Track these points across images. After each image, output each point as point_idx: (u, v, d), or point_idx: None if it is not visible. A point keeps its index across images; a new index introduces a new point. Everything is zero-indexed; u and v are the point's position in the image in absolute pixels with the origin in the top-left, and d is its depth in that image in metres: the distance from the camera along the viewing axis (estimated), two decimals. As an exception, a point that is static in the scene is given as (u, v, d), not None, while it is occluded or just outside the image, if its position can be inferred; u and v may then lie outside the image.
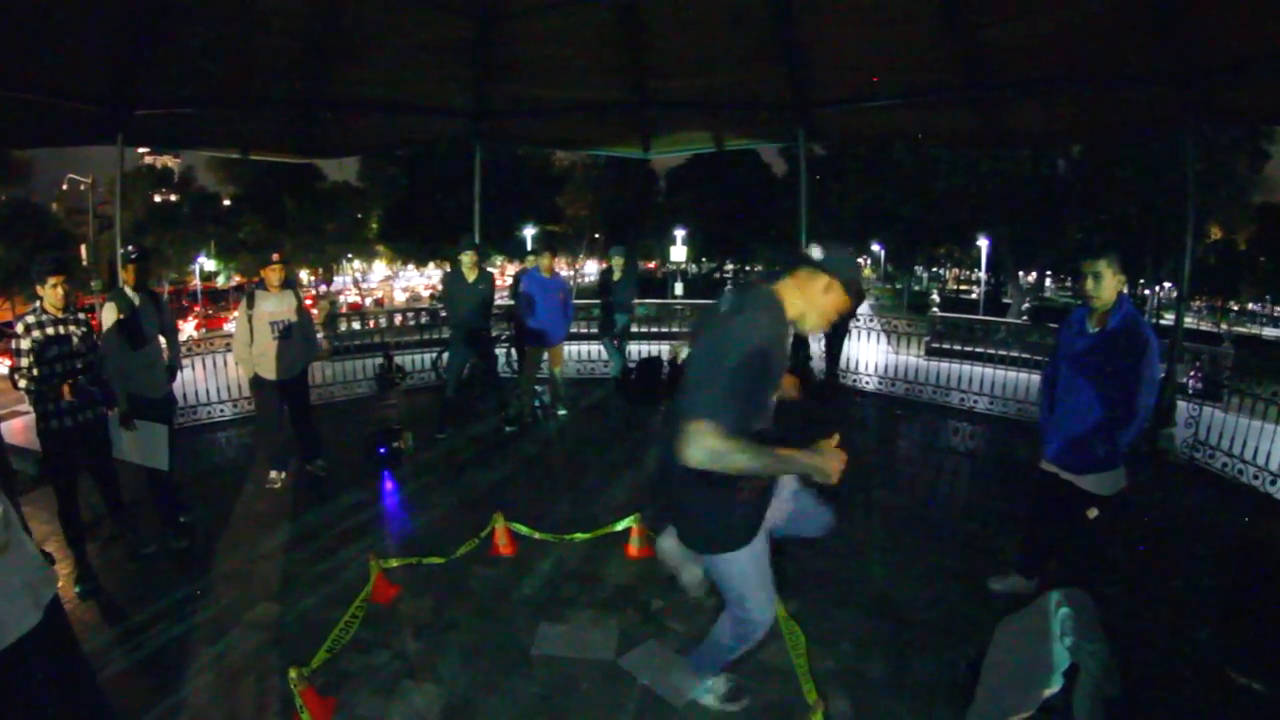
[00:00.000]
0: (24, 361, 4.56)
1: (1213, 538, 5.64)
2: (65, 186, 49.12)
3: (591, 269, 58.71)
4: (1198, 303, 54.04)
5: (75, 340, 4.76)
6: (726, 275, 60.21)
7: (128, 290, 5.43)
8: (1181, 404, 7.43)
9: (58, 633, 2.45)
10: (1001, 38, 7.40)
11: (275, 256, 6.45)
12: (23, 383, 4.62)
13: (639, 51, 8.95)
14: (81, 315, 4.92)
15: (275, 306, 6.30)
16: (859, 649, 3.98)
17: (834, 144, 32.24)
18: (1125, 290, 3.98)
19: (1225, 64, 6.60)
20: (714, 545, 2.90)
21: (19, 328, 4.63)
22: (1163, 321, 35.26)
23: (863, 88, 8.77)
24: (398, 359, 9.35)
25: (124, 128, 7.78)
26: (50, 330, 4.64)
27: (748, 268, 56.87)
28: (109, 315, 5.25)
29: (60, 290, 4.69)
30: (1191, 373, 8.52)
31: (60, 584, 4.77)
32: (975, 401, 9.19)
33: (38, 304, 4.70)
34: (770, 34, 8.43)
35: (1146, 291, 44.14)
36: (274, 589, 4.77)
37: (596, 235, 57.00)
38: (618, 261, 9.77)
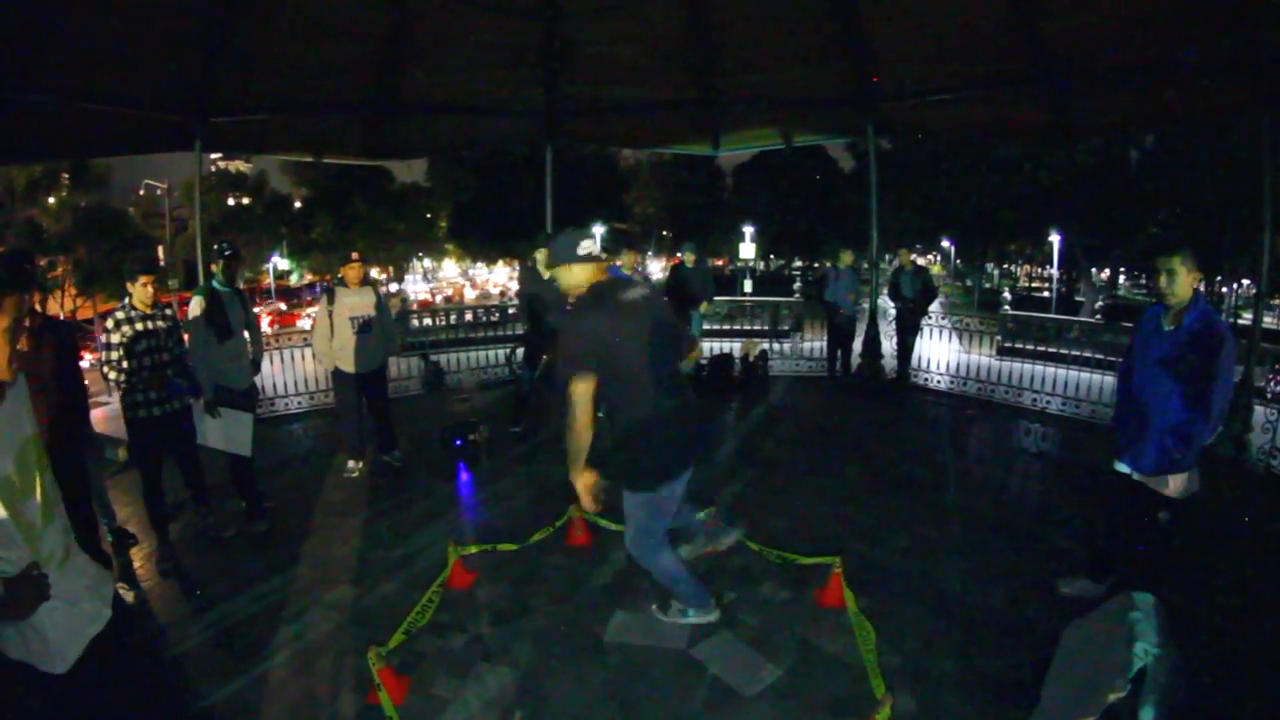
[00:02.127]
0: (114, 355, 4.83)
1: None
2: (142, 191, 50.76)
3: (654, 268, 58.51)
4: (1278, 300, 51.86)
5: (162, 335, 5.03)
6: (795, 272, 59.49)
7: (217, 285, 5.66)
8: (1259, 409, 7.19)
9: (120, 629, 2.49)
10: (1068, 28, 7.29)
11: (354, 255, 6.68)
12: (113, 375, 4.88)
13: (706, 49, 8.99)
14: (168, 311, 5.19)
15: (355, 302, 6.49)
16: (927, 646, 3.98)
17: (901, 139, 31.63)
18: (1201, 287, 3.90)
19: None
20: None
21: (109, 323, 4.90)
22: (1241, 320, 33.90)
23: (930, 81, 8.71)
24: (453, 356, 9.54)
25: (200, 134, 8.08)
26: (139, 325, 4.90)
27: (816, 264, 56.23)
28: (196, 309, 5.47)
29: (150, 289, 4.97)
30: (1271, 375, 8.23)
31: (141, 564, 5.07)
32: (1048, 402, 9.04)
33: (126, 300, 4.96)
34: (836, 28, 8.43)
35: (1224, 289, 42.46)
36: (352, 572, 4.95)
37: (665, 233, 56.94)
38: (689, 258, 9.82)
